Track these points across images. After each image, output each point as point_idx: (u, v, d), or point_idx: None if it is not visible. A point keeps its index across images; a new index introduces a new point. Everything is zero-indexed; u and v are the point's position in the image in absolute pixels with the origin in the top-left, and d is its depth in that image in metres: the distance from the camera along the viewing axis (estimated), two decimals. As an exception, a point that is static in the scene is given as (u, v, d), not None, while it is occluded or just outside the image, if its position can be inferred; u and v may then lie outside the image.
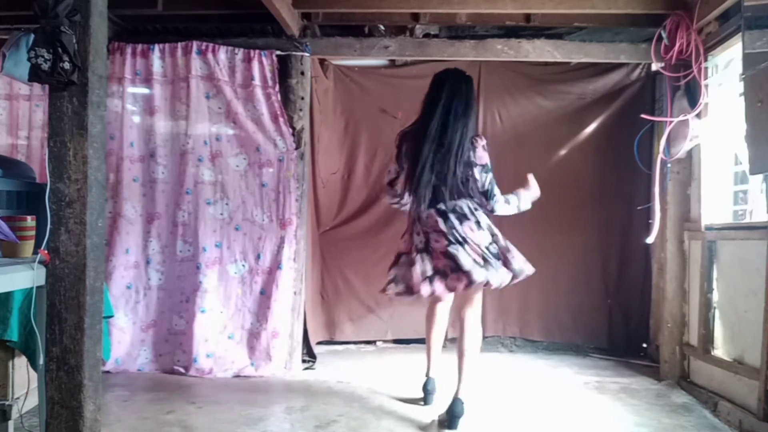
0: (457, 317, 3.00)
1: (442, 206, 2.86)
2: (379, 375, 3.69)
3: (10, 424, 2.26)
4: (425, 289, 2.83)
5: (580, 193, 4.41)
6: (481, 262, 2.79)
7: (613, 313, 4.38)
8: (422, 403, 3.16)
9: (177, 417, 2.90)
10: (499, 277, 2.80)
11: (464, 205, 2.87)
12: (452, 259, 2.78)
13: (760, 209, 3.00)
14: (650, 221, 3.82)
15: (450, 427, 2.80)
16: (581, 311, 4.40)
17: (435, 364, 3.23)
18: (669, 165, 3.67)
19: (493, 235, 2.88)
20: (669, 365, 3.64)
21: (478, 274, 2.75)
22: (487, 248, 2.82)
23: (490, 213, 2.94)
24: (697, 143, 3.47)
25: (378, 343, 4.52)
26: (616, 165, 4.32)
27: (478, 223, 2.85)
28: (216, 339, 3.74)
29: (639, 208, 4.12)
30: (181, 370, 3.69)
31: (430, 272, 2.84)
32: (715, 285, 3.29)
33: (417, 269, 2.85)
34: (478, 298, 2.95)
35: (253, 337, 3.77)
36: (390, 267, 3.06)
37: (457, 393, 2.85)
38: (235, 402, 3.14)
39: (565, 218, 4.40)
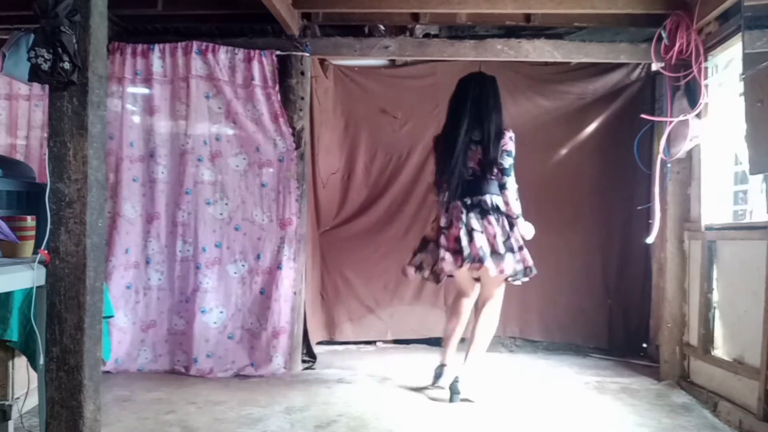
0: (478, 309, 3.33)
1: (468, 200, 3.20)
2: (379, 375, 3.69)
3: (10, 424, 2.26)
4: (443, 267, 3.21)
5: (580, 193, 4.41)
6: (488, 251, 3.11)
7: (613, 313, 4.38)
8: (430, 385, 3.35)
9: (177, 417, 2.89)
10: (509, 265, 3.13)
11: (488, 199, 3.20)
12: (458, 243, 3.14)
13: (760, 209, 3.00)
14: (650, 221, 3.82)
15: (450, 401, 3.15)
16: (581, 311, 4.39)
17: (451, 353, 3.37)
18: (669, 165, 3.67)
19: (508, 232, 3.20)
20: (669, 365, 3.64)
21: (485, 258, 3.10)
22: (503, 242, 3.15)
23: (501, 187, 3.23)
24: (697, 143, 3.48)
25: (378, 344, 4.52)
26: (616, 165, 4.32)
27: (498, 219, 3.18)
28: (216, 339, 3.74)
29: (639, 208, 4.12)
30: (182, 370, 3.69)
31: (443, 254, 3.20)
32: (715, 285, 3.29)
33: (438, 255, 3.22)
34: (499, 293, 3.29)
35: (253, 337, 3.77)
36: (415, 251, 3.41)
37: (459, 372, 3.20)
38: (235, 402, 3.14)
39: (565, 218, 4.40)
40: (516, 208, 3.22)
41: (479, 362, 3.26)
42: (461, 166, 3.21)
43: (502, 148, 3.23)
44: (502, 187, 3.22)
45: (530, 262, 3.21)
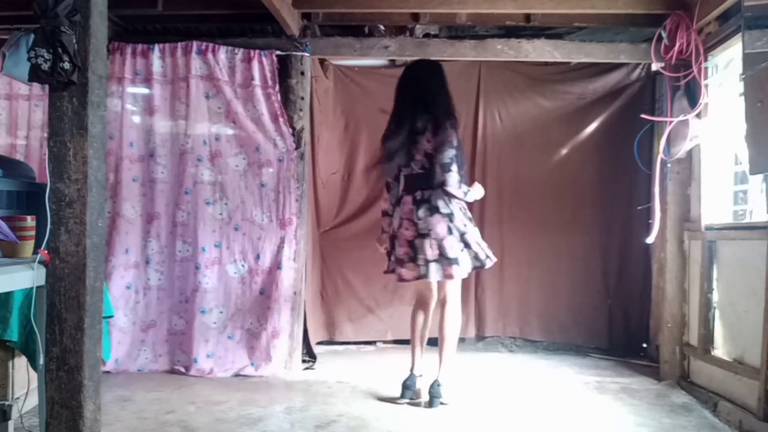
0: (441, 309, 3.21)
1: (418, 194, 3.09)
2: (379, 375, 3.69)
3: (10, 424, 2.26)
4: (401, 274, 3.15)
5: (580, 193, 4.41)
6: (436, 256, 3.04)
7: (613, 313, 4.38)
8: (399, 398, 3.19)
9: (177, 417, 2.90)
10: (461, 267, 3.06)
11: (438, 196, 3.06)
12: (414, 249, 3.08)
13: (760, 209, 3.00)
14: (650, 221, 3.82)
15: (430, 406, 3.08)
16: (581, 311, 4.39)
17: (417, 361, 3.25)
18: (669, 165, 3.67)
19: (461, 229, 3.08)
20: (669, 365, 3.64)
21: (429, 271, 3.04)
22: (456, 242, 3.05)
23: (441, 184, 3.05)
24: (697, 143, 3.47)
25: (378, 344, 4.51)
26: (616, 165, 4.32)
27: (448, 216, 3.05)
28: (216, 339, 3.74)
29: (639, 208, 4.12)
30: (182, 370, 3.69)
31: (398, 257, 3.16)
32: (715, 285, 3.29)
33: (395, 253, 3.18)
34: (454, 292, 3.19)
35: (253, 337, 3.77)
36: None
37: (437, 376, 3.12)
38: (235, 402, 3.14)
39: (565, 218, 4.40)
40: (461, 194, 3.06)
41: (451, 364, 3.17)
42: (408, 157, 3.10)
43: (445, 140, 3.05)
44: (442, 183, 3.03)
45: (485, 252, 3.13)
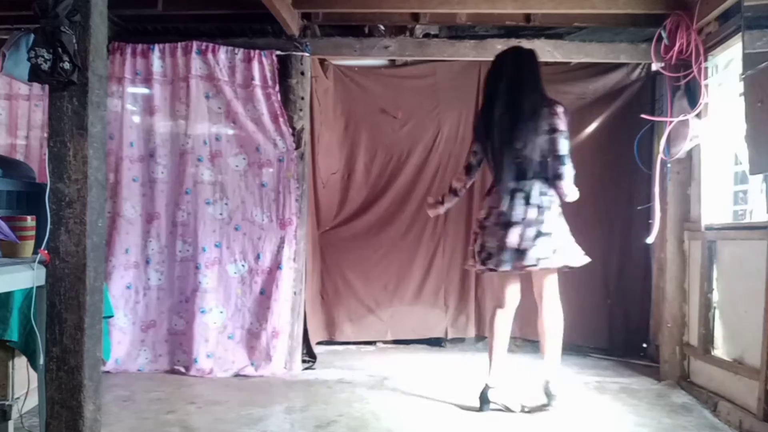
0: (539, 305, 3.09)
1: (512, 184, 2.93)
2: (379, 375, 3.69)
3: (10, 424, 2.26)
4: (476, 266, 3.07)
5: (580, 193, 4.38)
6: (515, 246, 2.88)
7: (613, 313, 4.38)
8: (478, 409, 3.06)
9: (177, 417, 2.90)
10: (533, 256, 2.88)
11: (535, 186, 2.91)
12: (499, 239, 2.92)
13: (760, 209, 3.00)
14: (650, 221, 3.82)
15: (548, 405, 2.98)
16: (581, 311, 4.36)
17: (495, 370, 3.09)
18: (669, 165, 3.67)
19: (543, 222, 2.90)
20: (669, 365, 3.64)
21: (503, 262, 2.91)
22: (534, 234, 2.89)
23: (556, 178, 2.91)
24: (697, 143, 3.48)
25: (378, 344, 4.51)
26: (616, 165, 4.31)
27: (539, 207, 2.90)
28: (216, 339, 3.74)
29: (639, 208, 4.12)
30: (182, 370, 3.69)
31: (479, 249, 3.02)
32: (715, 285, 3.29)
33: (475, 247, 3.05)
34: (550, 285, 3.05)
35: (253, 337, 3.77)
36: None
37: (546, 376, 3.01)
38: (235, 402, 3.14)
39: (565, 218, 4.39)
40: (571, 198, 2.96)
41: (556, 362, 3.02)
42: (501, 149, 2.94)
43: (558, 129, 2.89)
44: (556, 177, 2.90)
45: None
